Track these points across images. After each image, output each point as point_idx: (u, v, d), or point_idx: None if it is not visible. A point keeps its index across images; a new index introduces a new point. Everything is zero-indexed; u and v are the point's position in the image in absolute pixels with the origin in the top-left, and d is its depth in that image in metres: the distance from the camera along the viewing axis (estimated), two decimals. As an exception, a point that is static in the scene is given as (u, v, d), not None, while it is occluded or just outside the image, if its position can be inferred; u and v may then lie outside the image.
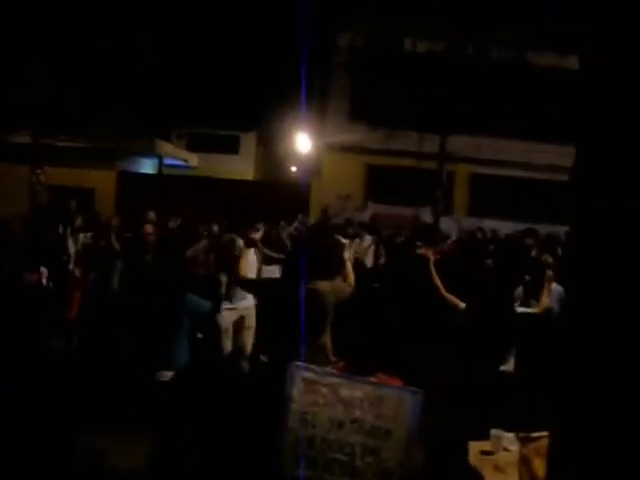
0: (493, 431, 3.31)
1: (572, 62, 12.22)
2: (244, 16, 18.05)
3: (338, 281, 3.94)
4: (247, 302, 5.49)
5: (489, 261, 6.12)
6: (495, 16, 13.09)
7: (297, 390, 2.45)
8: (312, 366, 2.52)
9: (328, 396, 2.45)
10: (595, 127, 1.31)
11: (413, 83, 14.56)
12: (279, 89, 19.88)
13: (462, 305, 4.67)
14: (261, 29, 18.36)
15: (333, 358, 3.73)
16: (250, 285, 4.68)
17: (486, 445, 3.29)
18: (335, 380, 2.49)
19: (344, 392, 2.46)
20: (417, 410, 2.42)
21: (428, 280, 4.85)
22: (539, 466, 2.33)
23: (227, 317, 5.36)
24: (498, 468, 3.08)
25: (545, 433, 2.21)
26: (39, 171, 10.87)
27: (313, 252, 3.77)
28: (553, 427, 1.49)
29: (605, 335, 1.22)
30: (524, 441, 2.56)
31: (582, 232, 1.37)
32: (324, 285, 3.74)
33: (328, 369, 2.65)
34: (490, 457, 3.21)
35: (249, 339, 5.52)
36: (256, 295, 5.26)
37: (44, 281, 5.27)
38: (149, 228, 5.85)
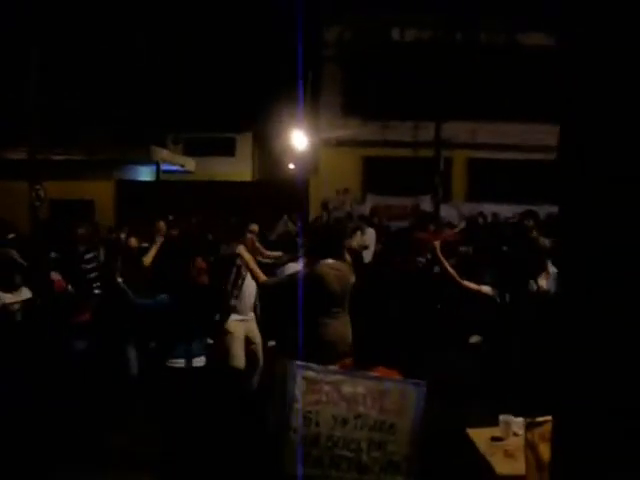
0: (502, 417, 3.29)
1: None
2: (230, 18, 18.00)
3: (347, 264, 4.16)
4: (252, 315, 5.43)
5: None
6: (481, 3, 13.06)
7: (299, 389, 2.44)
8: (312, 365, 2.50)
9: (330, 394, 2.44)
10: (579, 118, 1.29)
11: (404, 72, 14.49)
12: (271, 88, 19.84)
13: (485, 289, 4.56)
14: (249, 30, 18.31)
15: None
16: (276, 286, 4.42)
17: (496, 431, 3.27)
18: (336, 377, 2.48)
19: (346, 389, 2.45)
20: (421, 402, 2.40)
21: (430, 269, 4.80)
22: (545, 451, 2.32)
23: (238, 328, 5.22)
24: (508, 454, 3.07)
25: (550, 417, 2.20)
26: (38, 187, 10.84)
27: (325, 240, 4.08)
28: (553, 414, 1.48)
29: (597, 325, 1.20)
30: (529, 426, 2.55)
31: (568, 225, 1.35)
32: (344, 267, 3.97)
33: (330, 367, 2.64)
34: (500, 443, 3.20)
35: (260, 354, 5.46)
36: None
37: (69, 287, 5.83)
38: (133, 242, 6.33)
